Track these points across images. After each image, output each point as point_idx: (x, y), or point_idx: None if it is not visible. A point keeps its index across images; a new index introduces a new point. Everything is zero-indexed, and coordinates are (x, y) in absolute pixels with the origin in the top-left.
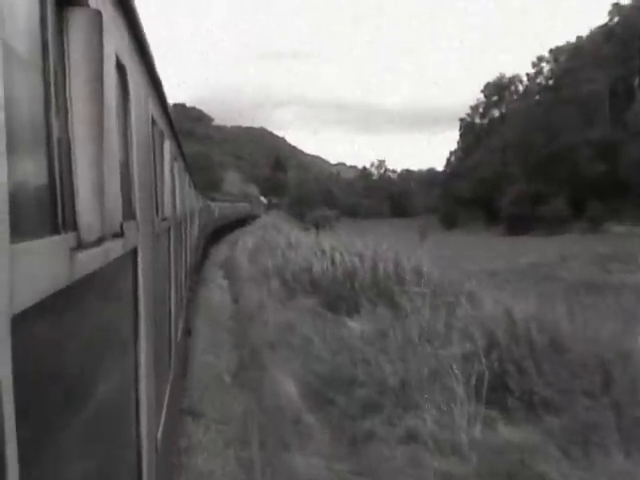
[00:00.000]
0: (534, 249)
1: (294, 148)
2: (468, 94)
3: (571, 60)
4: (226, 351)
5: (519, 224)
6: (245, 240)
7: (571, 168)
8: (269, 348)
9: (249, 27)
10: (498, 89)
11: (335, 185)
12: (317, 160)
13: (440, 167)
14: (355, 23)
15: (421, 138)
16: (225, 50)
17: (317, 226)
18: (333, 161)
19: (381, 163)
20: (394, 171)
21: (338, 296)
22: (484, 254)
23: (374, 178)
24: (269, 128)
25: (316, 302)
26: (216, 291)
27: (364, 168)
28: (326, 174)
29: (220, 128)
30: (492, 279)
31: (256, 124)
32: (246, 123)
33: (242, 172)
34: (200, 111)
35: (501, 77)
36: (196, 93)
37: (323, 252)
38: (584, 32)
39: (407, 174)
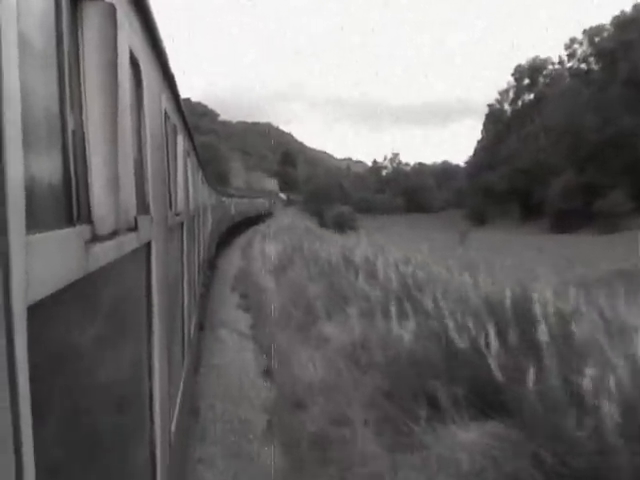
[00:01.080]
0: (601, 250)
1: (301, 143)
2: (475, 88)
3: (624, 34)
4: None
5: (568, 220)
6: (265, 247)
7: (629, 155)
8: None
9: (255, 23)
10: (531, 72)
11: (346, 180)
12: (324, 155)
13: (454, 160)
14: (360, 15)
15: (430, 132)
16: (231, 46)
17: (339, 225)
18: (339, 156)
19: (395, 156)
20: (407, 164)
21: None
22: (541, 257)
23: (386, 172)
24: (275, 123)
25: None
26: (230, 341)
27: (375, 162)
28: (334, 169)
29: (226, 123)
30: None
31: (262, 119)
32: (252, 118)
33: (249, 167)
34: (205, 106)
35: (535, 59)
36: (201, 88)
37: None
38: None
39: (420, 168)
